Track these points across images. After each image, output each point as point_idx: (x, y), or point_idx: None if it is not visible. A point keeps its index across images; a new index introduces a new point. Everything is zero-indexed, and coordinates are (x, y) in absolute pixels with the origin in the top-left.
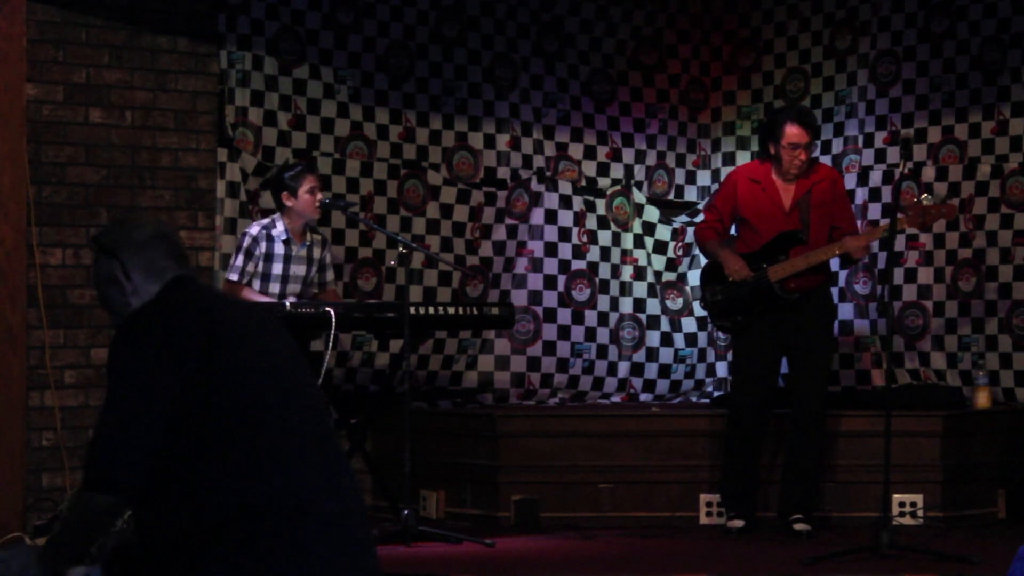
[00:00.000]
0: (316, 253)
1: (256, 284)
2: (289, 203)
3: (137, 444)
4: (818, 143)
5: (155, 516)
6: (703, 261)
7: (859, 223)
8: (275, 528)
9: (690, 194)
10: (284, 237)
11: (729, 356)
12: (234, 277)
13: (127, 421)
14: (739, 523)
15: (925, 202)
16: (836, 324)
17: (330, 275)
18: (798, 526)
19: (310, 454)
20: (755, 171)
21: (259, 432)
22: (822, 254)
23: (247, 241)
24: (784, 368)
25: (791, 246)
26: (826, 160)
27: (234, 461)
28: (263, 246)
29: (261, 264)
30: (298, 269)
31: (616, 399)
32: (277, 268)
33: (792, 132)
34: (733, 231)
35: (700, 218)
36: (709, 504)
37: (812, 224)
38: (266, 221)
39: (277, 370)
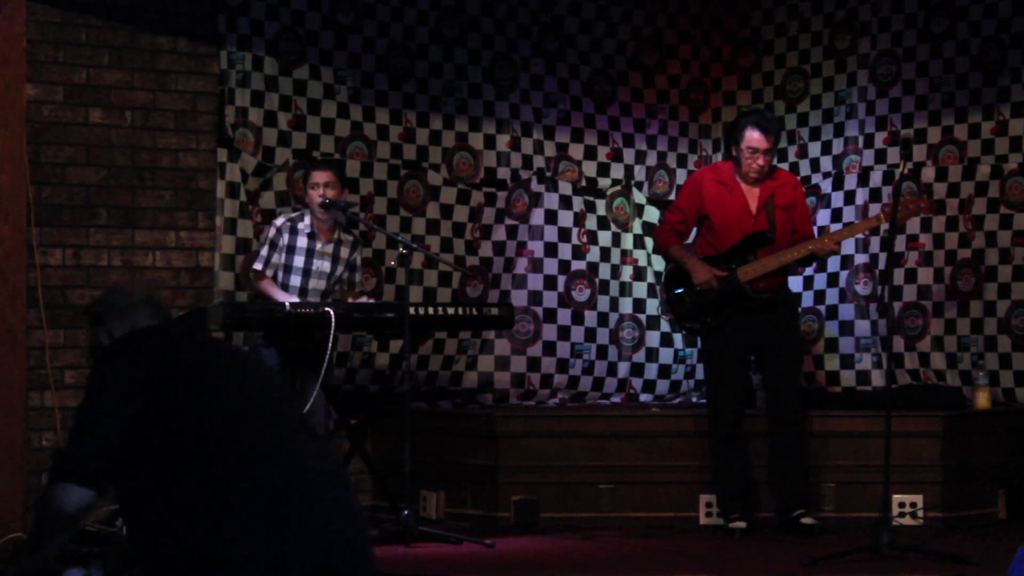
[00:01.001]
0: (345, 252)
1: (280, 275)
2: (306, 198)
3: (100, 442)
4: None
5: (160, 521)
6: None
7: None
8: (284, 513)
9: None
10: (308, 231)
11: None
12: (258, 266)
13: (93, 423)
14: (741, 524)
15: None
16: (834, 324)
17: (359, 276)
18: (805, 520)
19: (308, 455)
20: (720, 172)
21: (260, 433)
22: (794, 252)
23: (271, 231)
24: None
25: (759, 247)
26: (827, 160)
27: (234, 457)
28: (286, 237)
29: (284, 256)
30: (322, 265)
31: (616, 399)
32: (299, 261)
33: (752, 137)
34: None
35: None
36: (709, 504)
37: (777, 225)
38: (295, 214)
39: (263, 386)
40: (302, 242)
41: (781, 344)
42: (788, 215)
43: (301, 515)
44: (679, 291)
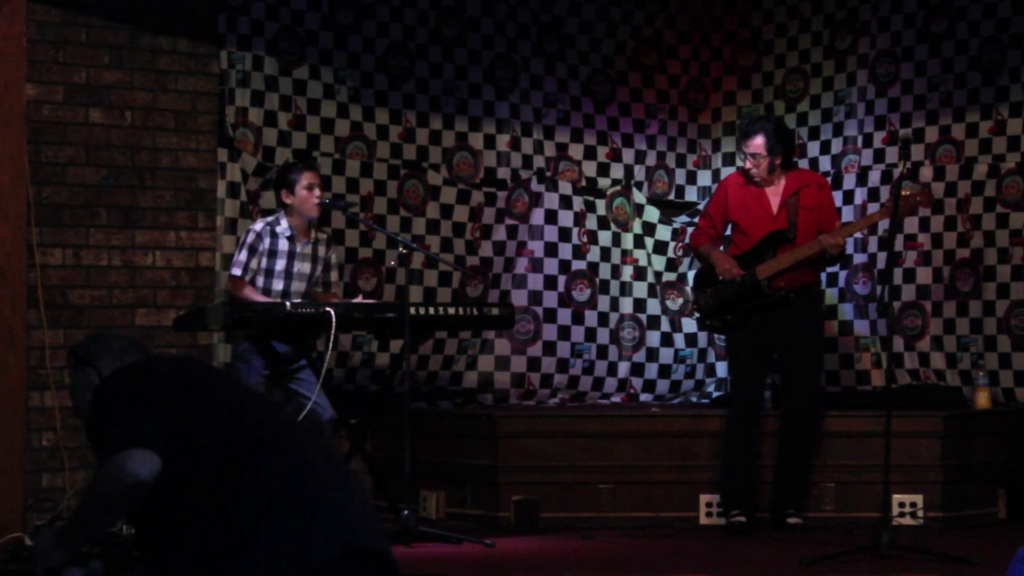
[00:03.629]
0: (321, 251)
1: (260, 280)
2: (288, 200)
3: (147, 418)
4: (814, 152)
5: (178, 517)
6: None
7: None
8: (306, 496)
9: (690, 194)
10: (288, 234)
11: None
12: (237, 272)
13: (129, 409)
14: (742, 518)
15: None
16: (834, 324)
17: (334, 275)
18: (791, 519)
19: (313, 446)
20: (746, 175)
21: (269, 431)
22: (806, 250)
23: (251, 237)
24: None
25: (779, 245)
26: (826, 160)
27: (248, 451)
28: (267, 242)
29: (265, 260)
30: (303, 266)
31: (616, 399)
32: (280, 264)
33: (752, 142)
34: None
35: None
36: (709, 504)
37: (800, 225)
38: (271, 218)
39: (257, 394)
40: (283, 245)
41: (798, 344)
42: (813, 215)
43: (322, 497)
44: (709, 290)
